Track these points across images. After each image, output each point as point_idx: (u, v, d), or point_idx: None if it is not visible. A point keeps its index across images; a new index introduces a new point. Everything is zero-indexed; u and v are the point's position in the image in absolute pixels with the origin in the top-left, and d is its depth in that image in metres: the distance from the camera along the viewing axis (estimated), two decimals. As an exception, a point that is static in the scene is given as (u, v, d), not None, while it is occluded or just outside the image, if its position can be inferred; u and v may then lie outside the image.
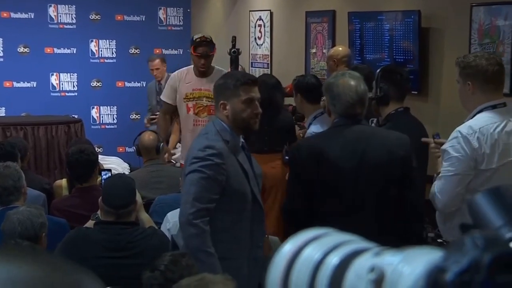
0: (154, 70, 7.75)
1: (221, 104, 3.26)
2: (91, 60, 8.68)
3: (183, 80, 5.52)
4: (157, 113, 7.71)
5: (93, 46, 8.69)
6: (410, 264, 0.64)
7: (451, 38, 5.38)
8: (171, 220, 4.11)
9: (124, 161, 6.88)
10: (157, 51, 8.74)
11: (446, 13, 5.41)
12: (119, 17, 8.76)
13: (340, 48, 5.94)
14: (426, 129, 4.38)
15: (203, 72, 5.45)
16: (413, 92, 5.01)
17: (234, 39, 5.99)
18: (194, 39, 5.50)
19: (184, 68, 5.74)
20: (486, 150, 3.27)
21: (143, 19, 8.85)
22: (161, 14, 8.98)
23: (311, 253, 0.74)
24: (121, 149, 8.52)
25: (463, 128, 3.34)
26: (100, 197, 3.57)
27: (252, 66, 7.91)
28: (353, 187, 3.25)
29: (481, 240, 0.60)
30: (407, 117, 4.27)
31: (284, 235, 4.13)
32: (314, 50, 7.05)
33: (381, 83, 4.22)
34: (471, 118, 3.38)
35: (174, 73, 5.71)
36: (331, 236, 0.75)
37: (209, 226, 3.17)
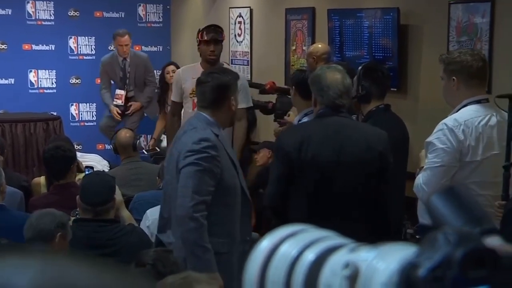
0: (123, 46, 7.71)
1: (231, 101, 3.39)
2: (70, 57, 8.62)
3: (189, 75, 5.25)
4: (132, 103, 7.72)
5: (71, 42, 8.63)
6: (385, 260, 0.65)
7: (429, 35, 5.42)
8: (151, 218, 4.10)
9: (104, 159, 6.85)
10: (137, 48, 8.70)
11: (425, 11, 5.45)
12: (98, 14, 8.71)
13: (320, 45, 5.95)
14: (406, 126, 4.41)
15: (213, 61, 5.18)
16: (392, 89, 5.03)
17: None
18: (200, 29, 5.37)
19: (189, 64, 5.60)
20: (471, 142, 3.32)
21: (123, 16, 8.80)
22: (140, 10, 8.94)
23: (288, 249, 0.74)
24: (100, 146, 8.48)
25: (449, 120, 3.39)
26: (78, 195, 3.55)
27: (232, 63, 7.89)
28: (331, 178, 3.34)
29: (453, 235, 0.60)
30: (387, 114, 4.30)
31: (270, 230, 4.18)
32: (294, 47, 7.06)
33: (362, 81, 4.24)
34: (456, 112, 3.42)
35: (178, 69, 5.52)
36: (308, 233, 0.76)
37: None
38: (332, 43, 6.24)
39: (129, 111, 7.76)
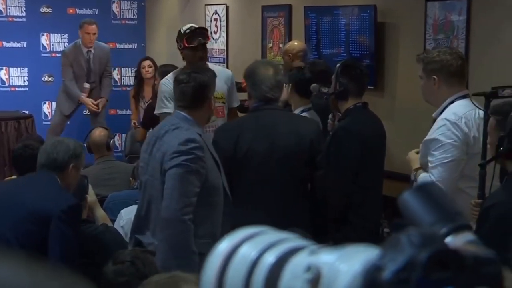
0: (91, 35, 7.63)
1: (210, 101, 3.40)
2: (43, 54, 8.55)
3: None
4: (99, 100, 7.64)
5: (44, 40, 8.56)
6: (347, 262, 0.65)
7: (406, 33, 5.45)
8: (125, 217, 4.09)
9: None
10: (111, 45, 8.65)
11: (402, 8, 5.48)
12: (71, 10, 8.65)
13: (296, 43, 5.96)
14: (383, 124, 4.43)
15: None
16: (369, 87, 5.05)
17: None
18: (183, 31, 4.89)
19: (171, 73, 4.95)
20: (474, 133, 3.39)
21: (96, 13, 8.75)
22: (114, 7, 8.89)
23: (247, 251, 0.74)
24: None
25: (449, 115, 3.44)
26: None
27: (208, 61, 7.88)
28: (266, 170, 3.59)
29: (417, 237, 0.61)
30: (365, 113, 4.32)
31: None
32: (270, 45, 7.06)
33: (340, 78, 4.25)
34: (445, 108, 3.46)
35: (163, 80, 4.91)
36: (267, 234, 0.75)
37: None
38: (308, 40, 6.25)
39: (99, 109, 7.70)
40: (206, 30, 5.09)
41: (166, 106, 4.60)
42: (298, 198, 3.71)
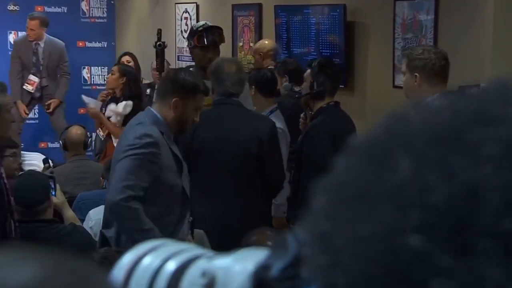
0: (29, 30, 7.59)
1: (174, 101, 3.27)
2: (10, 53, 8.50)
3: None
4: (51, 101, 7.49)
5: (11, 38, 8.50)
6: (241, 263, 0.67)
7: (375, 32, 5.52)
8: (94, 218, 4.07)
9: (47, 157, 6.77)
10: (80, 43, 8.62)
11: (371, 8, 5.55)
12: (39, 8, 8.59)
13: (266, 42, 6.01)
14: (354, 123, 4.49)
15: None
16: (339, 86, 5.11)
17: (159, 32, 5.95)
18: (195, 28, 4.53)
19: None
20: None
21: (65, 11, 8.71)
22: (83, 5, 8.86)
23: (150, 261, 0.75)
24: (43, 145, 8.38)
25: None
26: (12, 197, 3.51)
27: (178, 60, 7.90)
28: (216, 158, 3.80)
29: (302, 235, 0.62)
30: (337, 111, 4.38)
31: None
32: (241, 44, 7.10)
33: (318, 77, 4.30)
34: None
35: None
36: (170, 246, 0.77)
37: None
38: (279, 39, 6.31)
39: (50, 110, 7.65)
40: (221, 29, 4.70)
41: None
42: (246, 190, 3.89)
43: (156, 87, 3.73)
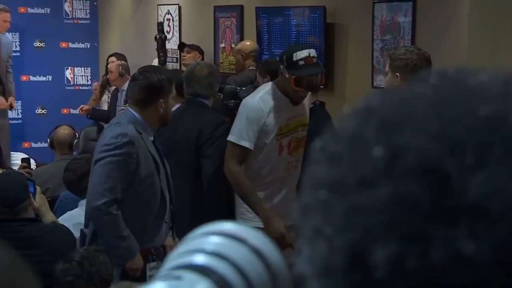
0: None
1: (159, 104, 3.31)
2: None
3: (271, 108, 3.71)
4: (10, 99, 7.37)
5: (-5, 39, 8.47)
6: None
7: (355, 34, 5.57)
8: (68, 223, 4.03)
9: (30, 157, 6.75)
10: (64, 44, 8.61)
11: (350, 9, 5.59)
12: (22, 10, 8.58)
13: (248, 43, 6.05)
14: (333, 124, 4.52)
15: (297, 103, 3.77)
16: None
17: (160, 25, 5.93)
18: (295, 60, 3.59)
19: (259, 89, 3.88)
20: None
21: (48, 12, 8.69)
22: (67, 6, 8.84)
23: None
24: (26, 145, 8.36)
25: None
26: None
27: (164, 61, 7.90)
28: (168, 155, 3.86)
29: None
30: (324, 111, 4.44)
31: None
32: (222, 45, 7.13)
33: None
34: None
35: (253, 100, 3.75)
36: None
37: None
38: (260, 40, 6.34)
39: (14, 108, 7.58)
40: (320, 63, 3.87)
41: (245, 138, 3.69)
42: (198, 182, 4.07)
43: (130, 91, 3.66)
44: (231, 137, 3.69)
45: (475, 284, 0.45)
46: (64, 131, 5.21)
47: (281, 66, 3.69)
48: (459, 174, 0.46)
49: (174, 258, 0.75)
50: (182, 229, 4.17)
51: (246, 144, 3.65)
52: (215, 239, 0.74)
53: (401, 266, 0.46)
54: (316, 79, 3.76)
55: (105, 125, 4.34)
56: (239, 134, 3.66)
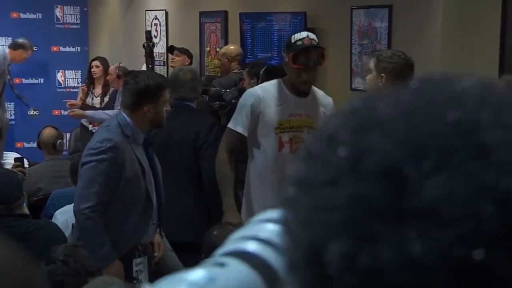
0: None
1: (146, 109, 3.28)
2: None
3: (271, 100, 3.57)
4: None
5: (-12, 44, 8.40)
6: None
7: (334, 38, 5.58)
8: (61, 218, 4.02)
9: (23, 156, 6.71)
10: (55, 48, 8.55)
11: (329, 15, 5.60)
12: (14, 15, 8.51)
13: (232, 47, 6.05)
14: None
15: (305, 92, 3.59)
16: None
17: (148, 34, 5.92)
18: (293, 41, 3.52)
19: (265, 82, 3.75)
20: None
21: (40, 17, 8.63)
22: (57, 12, 8.78)
23: None
24: (19, 145, 8.29)
25: None
26: None
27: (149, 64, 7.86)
28: (165, 154, 3.97)
29: None
30: None
31: None
32: (208, 49, 7.12)
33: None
34: None
35: (253, 89, 3.70)
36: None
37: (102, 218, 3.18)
38: (244, 44, 6.33)
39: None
40: (323, 49, 3.67)
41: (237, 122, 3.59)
42: (196, 182, 4.10)
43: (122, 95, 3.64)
44: (229, 123, 3.63)
45: (422, 286, 0.45)
46: (49, 132, 5.21)
47: (284, 56, 3.56)
48: (416, 177, 0.45)
49: (228, 244, 0.72)
50: (183, 228, 4.15)
51: (238, 129, 3.53)
52: (270, 227, 0.71)
53: (352, 263, 0.45)
54: (315, 56, 3.49)
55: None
56: (233, 120, 3.58)
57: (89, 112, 6.71)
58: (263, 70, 4.50)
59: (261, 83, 4.34)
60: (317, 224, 0.47)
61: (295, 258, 0.49)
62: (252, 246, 0.69)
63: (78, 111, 6.80)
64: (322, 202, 0.48)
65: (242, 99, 3.63)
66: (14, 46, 7.63)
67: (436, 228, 0.44)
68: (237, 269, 0.67)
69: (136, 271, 3.18)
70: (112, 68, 6.92)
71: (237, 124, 3.54)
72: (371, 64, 3.62)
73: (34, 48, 7.90)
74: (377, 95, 0.53)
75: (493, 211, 0.44)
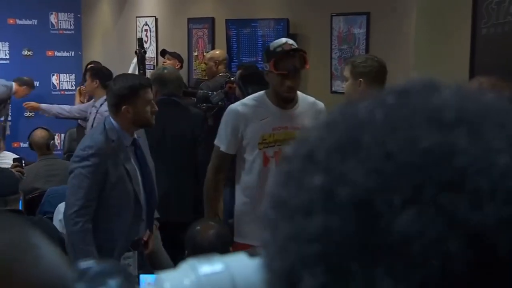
0: None
1: (123, 110, 3.20)
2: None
3: (253, 115, 3.28)
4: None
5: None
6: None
7: (315, 43, 5.59)
8: (63, 212, 4.03)
9: (19, 156, 6.68)
10: (50, 53, 8.52)
11: (311, 22, 5.62)
12: (11, 21, 8.47)
13: (218, 51, 6.06)
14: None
15: (289, 99, 3.28)
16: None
17: (140, 41, 5.91)
18: (272, 49, 3.24)
19: (249, 96, 3.44)
20: None
21: (35, 23, 8.60)
22: (52, 18, 8.75)
23: None
24: (16, 145, 8.25)
25: None
26: None
27: (139, 69, 7.84)
28: (160, 148, 4.02)
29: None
30: None
31: None
32: (196, 53, 7.12)
33: (247, 87, 4.34)
34: None
35: (234, 105, 3.38)
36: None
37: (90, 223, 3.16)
38: (230, 49, 6.34)
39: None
40: (304, 52, 3.39)
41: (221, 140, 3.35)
42: (190, 169, 4.19)
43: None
44: (215, 140, 3.36)
45: None
46: (40, 133, 5.18)
47: (264, 67, 3.28)
48: (388, 211, 0.42)
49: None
50: (185, 226, 4.13)
51: (222, 147, 3.28)
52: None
53: None
54: (297, 61, 3.21)
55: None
56: (218, 137, 3.33)
57: (44, 106, 6.70)
58: (238, 77, 4.54)
59: (239, 88, 4.39)
60: (292, 254, 0.45)
61: (272, 283, 0.47)
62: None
63: (32, 104, 6.80)
64: (297, 230, 0.45)
65: (223, 117, 3.33)
66: (20, 82, 7.63)
67: (406, 267, 0.42)
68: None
69: (124, 264, 3.15)
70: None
71: (221, 143, 3.29)
72: (347, 72, 3.60)
73: (36, 84, 7.89)
74: (354, 108, 0.49)
75: (461, 249, 0.41)
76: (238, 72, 4.57)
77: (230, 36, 6.40)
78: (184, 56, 7.17)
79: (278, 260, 0.46)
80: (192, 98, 5.06)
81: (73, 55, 8.78)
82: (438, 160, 0.43)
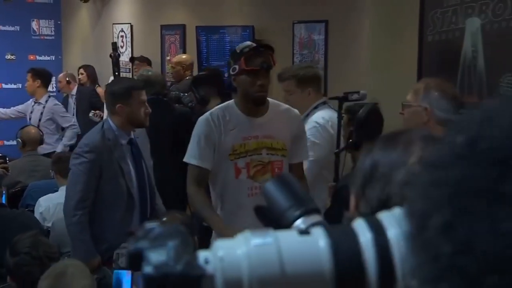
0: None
1: (117, 108, 3.20)
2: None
3: (222, 125, 2.92)
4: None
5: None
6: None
7: (278, 49, 5.53)
8: (43, 205, 4.01)
9: (2, 154, 6.60)
10: (32, 57, 8.41)
11: (274, 28, 5.64)
12: (-6, 28, 8.35)
13: (184, 56, 6.06)
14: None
15: (262, 99, 2.94)
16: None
17: (114, 45, 5.86)
18: (239, 51, 2.92)
19: (217, 106, 3.04)
20: (335, 135, 3.23)
21: (18, 29, 8.49)
22: (34, 25, 8.65)
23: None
24: (0, 143, 8.13)
25: (318, 119, 3.42)
26: None
27: (115, 73, 7.79)
28: (156, 147, 3.92)
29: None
30: None
31: None
32: (168, 57, 7.09)
33: (198, 89, 4.36)
34: (310, 113, 3.47)
35: (203, 116, 2.96)
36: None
37: (87, 217, 3.15)
38: (200, 54, 6.33)
39: None
40: (272, 49, 3.12)
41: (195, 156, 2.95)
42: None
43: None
44: (185, 157, 2.94)
45: (510, 257, 0.45)
46: (32, 130, 5.19)
47: (230, 71, 2.89)
48: None
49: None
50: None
51: (193, 161, 2.88)
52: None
53: (449, 233, 0.47)
54: (266, 59, 2.96)
55: None
56: (188, 153, 2.92)
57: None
58: (191, 83, 4.59)
59: (191, 91, 4.41)
60: (429, 197, 0.49)
61: (410, 223, 0.50)
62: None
63: None
64: (437, 179, 0.49)
65: (194, 130, 2.94)
66: None
67: None
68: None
69: (117, 253, 3.10)
70: (61, 75, 6.93)
71: (191, 156, 2.90)
72: (291, 86, 3.49)
73: (19, 86, 7.72)
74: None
75: None
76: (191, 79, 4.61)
77: (200, 42, 6.40)
78: (157, 60, 7.14)
79: (417, 203, 0.50)
80: (165, 99, 5.04)
81: (53, 59, 8.69)
82: None
